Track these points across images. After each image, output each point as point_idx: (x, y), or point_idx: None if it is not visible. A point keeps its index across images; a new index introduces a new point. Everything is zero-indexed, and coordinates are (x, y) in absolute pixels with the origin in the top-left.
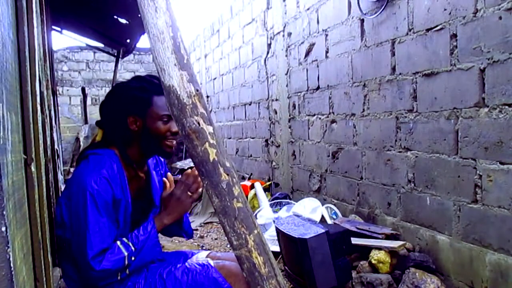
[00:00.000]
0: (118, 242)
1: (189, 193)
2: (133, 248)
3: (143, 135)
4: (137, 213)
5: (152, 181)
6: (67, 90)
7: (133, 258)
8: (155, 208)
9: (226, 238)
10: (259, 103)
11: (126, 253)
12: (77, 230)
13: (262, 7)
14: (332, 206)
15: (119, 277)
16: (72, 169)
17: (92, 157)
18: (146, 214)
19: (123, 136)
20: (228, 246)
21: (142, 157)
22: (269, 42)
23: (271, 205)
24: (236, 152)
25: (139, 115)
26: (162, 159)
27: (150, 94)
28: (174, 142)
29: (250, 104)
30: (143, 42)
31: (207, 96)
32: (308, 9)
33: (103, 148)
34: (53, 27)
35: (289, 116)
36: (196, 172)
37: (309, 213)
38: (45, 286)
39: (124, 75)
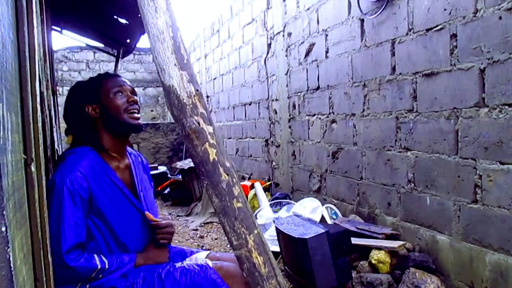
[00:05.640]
0: (95, 255)
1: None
2: (106, 266)
3: (105, 117)
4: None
5: (134, 172)
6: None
7: (100, 276)
8: (137, 201)
9: (226, 238)
10: (259, 103)
11: (99, 266)
12: (53, 225)
13: (262, 7)
14: (332, 206)
15: (78, 285)
16: None
17: (68, 156)
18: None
19: (89, 127)
20: (228, 246)
21: (117, 142)
22: (269, 42)
23: (271, 205)
24: (236, 152)
25: (94, 101)
26: (144, 160)
27: (98, 80)
28: (137, 114)
29: (250, 104)
30: (143, 42)
31: (207, 96)
32: (308, 9)
33: (79, 147)
34: (53, 27)
35: (289, 116)
36: (169, 223)
37: (309, 213)
38: (45, 286)
39: (124, 75)
